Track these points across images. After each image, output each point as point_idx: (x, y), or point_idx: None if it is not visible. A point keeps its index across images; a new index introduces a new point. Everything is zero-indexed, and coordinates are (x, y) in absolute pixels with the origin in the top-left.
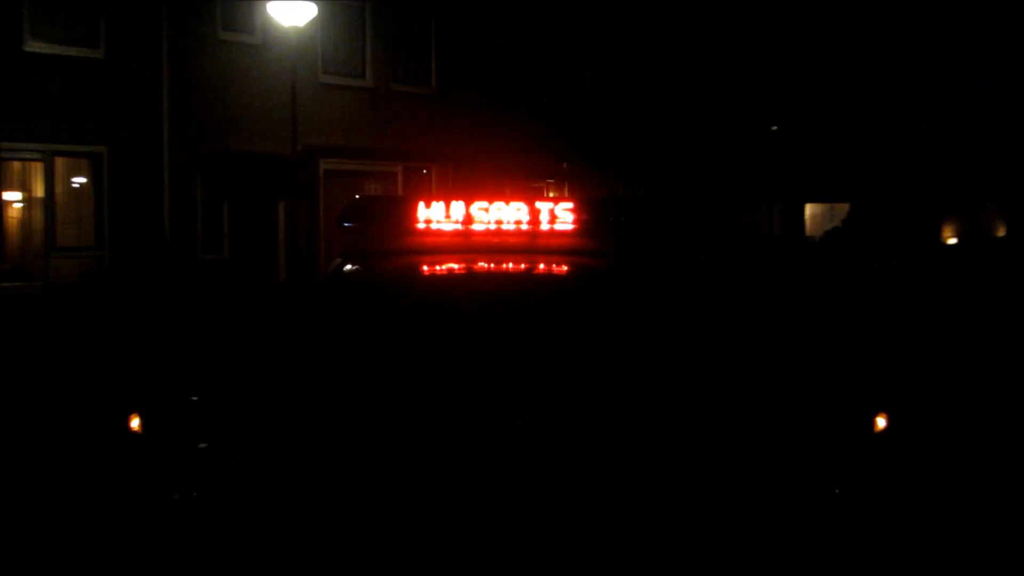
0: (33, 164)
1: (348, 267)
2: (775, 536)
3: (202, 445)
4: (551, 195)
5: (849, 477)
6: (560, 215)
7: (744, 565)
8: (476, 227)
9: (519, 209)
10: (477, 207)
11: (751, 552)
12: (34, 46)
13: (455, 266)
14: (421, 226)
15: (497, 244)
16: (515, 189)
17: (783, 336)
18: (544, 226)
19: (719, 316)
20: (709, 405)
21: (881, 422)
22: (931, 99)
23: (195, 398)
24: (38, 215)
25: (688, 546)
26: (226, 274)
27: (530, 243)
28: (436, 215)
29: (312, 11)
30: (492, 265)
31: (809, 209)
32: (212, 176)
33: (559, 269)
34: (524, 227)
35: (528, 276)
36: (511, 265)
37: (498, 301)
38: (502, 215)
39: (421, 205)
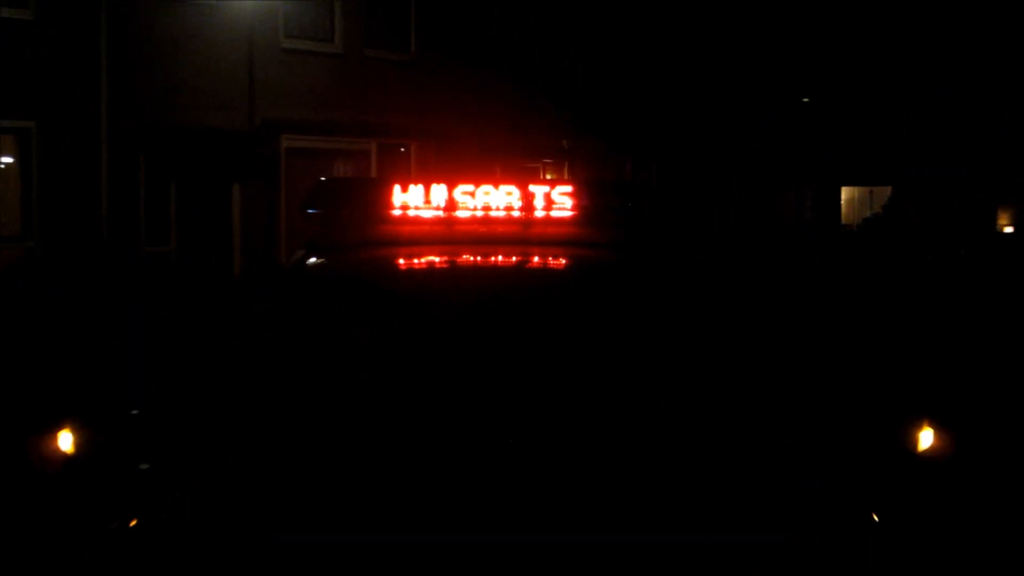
0: None
1: (312, 261)
2: (775, 536)
3: (144, 466)
4: (548, 177)
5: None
6: (557, 200)
7: (745, 565)
8: (460, 214)
9: (510, 193)
10: (462, 191)
11: (752, 552)
12: None
13: (436, 259)
14: (397, 213)
15: (484, 234)
16: (506, 170)
17: (803, 335)
18: (539, 213)
19: (728, 315)
20: (711, 406)
21: (927, 438)
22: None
23: (135, 412)
24: None
25: (688, 546)
26: (172, 269)
27: (523, 233)
28: (414, 200)
29: None
30: (479, 259)
31: (845, 193)
32: (157, 154)
33: (555, 263)
34: (516, 214)
35: (520, 271)
36: (500, 258)
37: (485, 301)
38: (491, 200)
39: (397, 189)
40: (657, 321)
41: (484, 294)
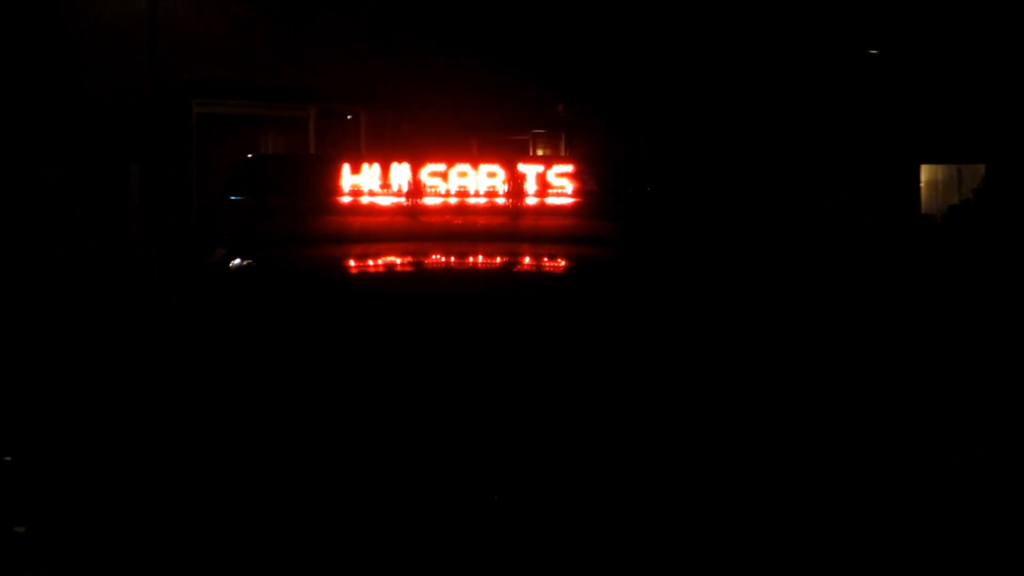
0: None
1: (236, 263)
2: (779, 538)
3: (19, 530)
4: (540, 153)
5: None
6: (554, 183)
7: (746, 566)
8: (428, 201)
9: (494, 175)
10: (430, 171)
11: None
12: None
13: (397, 261)
14: (346, 200)
15: (460, 228)
16: (484, 146)
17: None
18: (531, 199)
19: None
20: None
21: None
22: None
23: (8, 458)
24: None
25: (689, 546)
26: (81, 274)
27: (510, 226)
28: (368, 183)
29: None
30: (452, 260)
31: (926, 173)
32: (22, 126)
33: (552, 266)
34: (501, 201)
35: (506, 278)
36: (481, 259)
37: (460, 318)
38: (468, 183)
39: (346, 169)
40: (683, 344)
41: (461, 313)
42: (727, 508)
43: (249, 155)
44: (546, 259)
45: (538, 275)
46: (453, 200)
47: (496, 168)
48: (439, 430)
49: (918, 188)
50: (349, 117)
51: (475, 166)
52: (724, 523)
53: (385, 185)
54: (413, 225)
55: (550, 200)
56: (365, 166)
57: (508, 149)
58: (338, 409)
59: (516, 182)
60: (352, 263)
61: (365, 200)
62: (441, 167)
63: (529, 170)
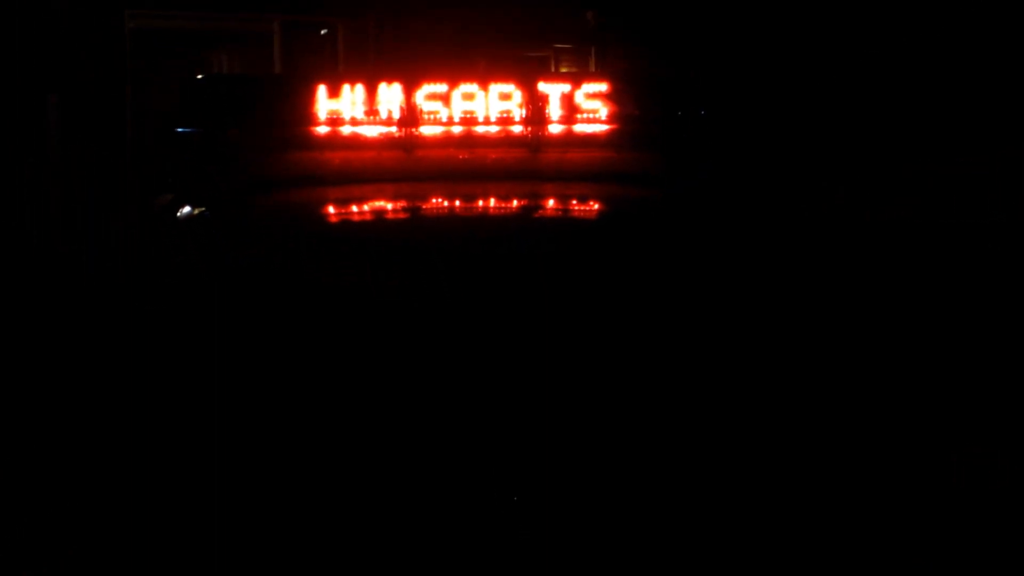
0: None
1: (185, 212)
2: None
3: None
4: (565, 71)
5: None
6: (584, 106)
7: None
8: (426, 131)
9: (507, 96)
10: (428, 94)
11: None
12: None
13: (388, 207)
14: (322, 130)
15: (467, 164)
16: (496, 63)
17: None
18: (555, 127)
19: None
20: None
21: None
22: None
23: None
24: None
25: (690, 546)
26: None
27: (530, 161)
28: (351, 109)
29: None
30: (457, 204)
31: None
32: None
33: (582, 210)
34: (517, 130)
35: (524, 226)
36: (493, 203)
37: (467, 277)
38: (476, 108)
39: (321, 91)
40: (731, 302)
41: (468, 271)
42: (727, 504)
43: (199, 76)
44: (575, 201)
45: (564, 222)
46: (457, 129)
47: (511, 88)
48: (442, 410)
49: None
50: (324, 31)
51: (484, 86)
52: (724, 520)
53: (372, 112)
54: (408, 161)
55: (579, 128)
56: (346, 88)
57: (525, 67)
58: (323, 388)
59: (536, 105)
60: (331, 210)
61: (347, 131)
62: (442, 88)
63: (552, 90)
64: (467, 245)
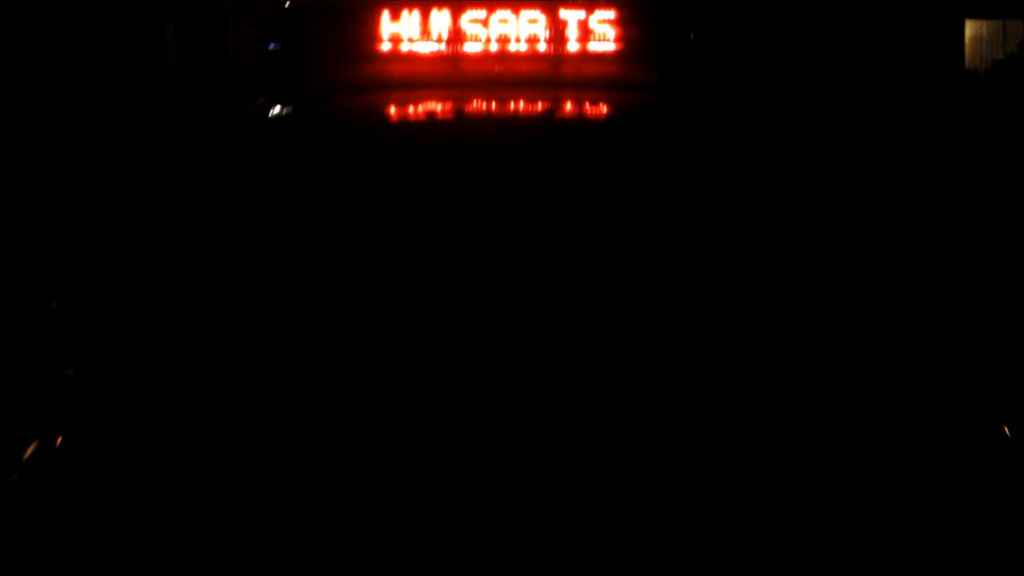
0: None
1: (276, 110)
2: (784, 538)
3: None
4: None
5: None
6: (596, 30)
7: (749, 566)
8: (468, 48)
9: (534, 21)
10: (470, 18)
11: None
12: None
13: (438, 108)
14: (386, 47)
15: (501, 76)
16: None
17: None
18: (572, 45)
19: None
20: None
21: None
22: None
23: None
24: None
25: (691, 546)
26: None
27: (551, 73)
28: (408, 31)
29: None
30: (494, 105)
31: (970, 28)
32: None
33: (594, 112)
34: (542, 48)
35: (547, 122)
36: (522, 105)
37: (499, 161)
38: (508, 30)
39: (385, 15)
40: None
41: (500, 156)
42: (727, 503)
43: (288, 3)
44: (587, 104)
45: (579, 119)
46: (494, 47)
47: (537, 14)
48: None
49: (962, 44)
50: None
51: (516, 12)
52: (724, 519)
53: (424, 32)
54: (453, 73)
55: (592, 46)
56: (405, 13)
57: None
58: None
59: (558, 28)
60: (393, 110)
61: (404, 48)
62: (481, 14)
63: (571, 16)
64: (506, 136)
